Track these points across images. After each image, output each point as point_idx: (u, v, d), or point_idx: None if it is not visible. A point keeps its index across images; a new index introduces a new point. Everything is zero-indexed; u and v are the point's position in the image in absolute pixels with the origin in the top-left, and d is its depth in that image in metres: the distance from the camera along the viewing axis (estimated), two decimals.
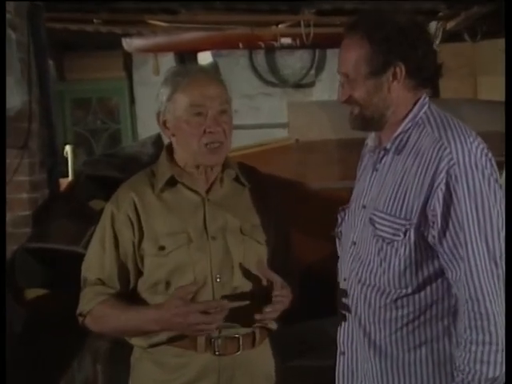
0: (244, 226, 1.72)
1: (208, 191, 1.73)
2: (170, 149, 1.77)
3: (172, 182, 1.72)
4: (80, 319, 1.72)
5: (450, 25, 4.16)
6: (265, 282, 1.67)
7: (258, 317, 1.63)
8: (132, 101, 6.26)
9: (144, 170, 1.79)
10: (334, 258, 1.67)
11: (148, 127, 5.99)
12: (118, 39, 4.54)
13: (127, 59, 6.11)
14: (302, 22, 4.01)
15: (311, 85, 6.18)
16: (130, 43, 4.53)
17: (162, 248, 1.68)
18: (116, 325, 1.69)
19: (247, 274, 1.69)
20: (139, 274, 1.70)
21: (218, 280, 1.66)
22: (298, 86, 6.16)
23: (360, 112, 1.54)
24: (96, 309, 1.69)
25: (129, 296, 1.72)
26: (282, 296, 1.65)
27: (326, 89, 5.99)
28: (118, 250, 1.70)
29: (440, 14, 4.08)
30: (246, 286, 1.68)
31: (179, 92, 1.68)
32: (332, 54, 5.94)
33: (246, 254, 1.70)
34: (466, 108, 3.18)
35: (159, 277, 1.67)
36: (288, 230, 1.85)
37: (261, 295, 1.66)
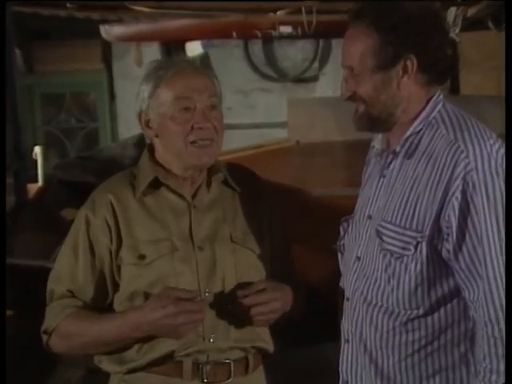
0: (234, 234, 1.74)
1: (194, 196, 1.75)
2: (152, 149, 1.79)
3: (155, 185, 1.74)
4: (44, 338, 1.72)
5: (472, 11, 4.17)
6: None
7: (241, 292, 1.64)
8: (111, 96, 6.27)
9: (123, 171, 1.81)
10: (336, 274, 1.68)
11: (130, 126, 6.01)
12: (95, 26, 4.55)
13: (106, 49, 6.13)
14: (303, 9, 4.03)
15: (314, 79, 6.21)
16: (109, 31, 4.54)
17: (142, 257, 1.69)
18: (87, 338, 1.68)
19: (241, 286, 1.70)
20: (116, 287, 1.71)
21: (207, 295, 1.67)
22: (300, 80, 6.18)
23: (365, 110, 1.55)
24: (62, 324, 1.69)
25: (101, 311, 1.72)
26: (273, 299, 1.66)
27: (331, 84, 6.01)
28: (94, 259, 1.71)
29: None
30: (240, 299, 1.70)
31: (162, 86, 1.69)
32: (337, 45, 5.96)
33: (237, 265, 1.71)
34: (490, 106, 3.20)
35: (137, 288, 1.68)
36: (287, 237, 1.86)
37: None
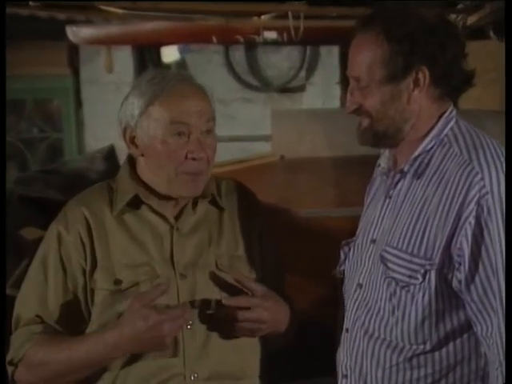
0: (220, 260, 1.73)
1: (178, 217, 1.74)
2: (132, 162, 1.78)
3: (135, 203, 1.73)
4: (10, 370, 1.70)
5: (472, 19, 4.21)
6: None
7: (224, 301, 1.66)
8: (78, 104, 6.24)
9: (99, 183, 1.80)
10: (329, 303, 1.68)
11: (98, 137, 6.01)
12: (61, 27, 4.53)
13: (73, 52, 6.11)
14: (290, 13, 4.05)
15: (301, 89, 6.23)
16: (76, 32, 4.53)
17: (118, 282, 1.68)
18: (59, 366, 1.66)
19: (227, 318, 1.69)
20: (89, 315, 1.69)
21: (189, 327, 1.66)
22: (285, 90, 6.20)
23: (370, 125, 1.55)
24: (30, 352, 1.66)
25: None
26: (260, 307, 1.67)
27: (319, 94, 6.05)
28: (66, 279, 1.70)
29: (459, 5, 4.14)
30: (225, 330, 1.68)
31: (156, 104, 1.68)
32: (326, 53, 6.01)
33: (224, 294, 1.70)
34: (490, 121, 3.23)
35: (110, 318, 1.66)
36: (279, 261, 1.86)
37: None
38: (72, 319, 1.71)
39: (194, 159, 1.69)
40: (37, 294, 1.72)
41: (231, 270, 1.74)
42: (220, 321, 1.69)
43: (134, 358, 1.65)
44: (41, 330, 1.70)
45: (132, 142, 1.74)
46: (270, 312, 1.70)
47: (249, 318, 1.68)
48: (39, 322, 1.71)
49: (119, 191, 1.75)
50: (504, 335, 1.41)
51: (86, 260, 1.70)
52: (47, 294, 1.71)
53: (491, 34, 4.73)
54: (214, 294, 1.71)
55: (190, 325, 1.68)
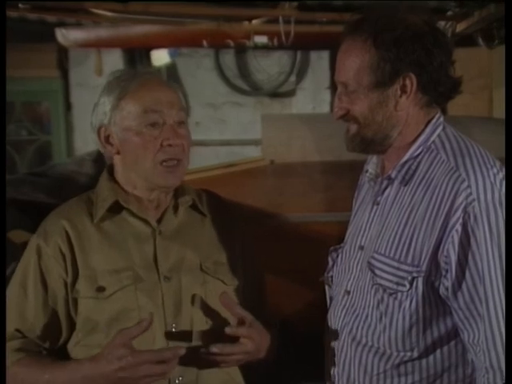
0: (205, 263, 1.73)
1: (160, 220, 1.74)
2: (112, 170, 1.78)
3: (115, 209, 1.72)
4: None
5: (461, 26, 4.24)
6: (231, 320, 1.67)
7: (215, 349, 1.61)
8: (67, 107, 6.23)
9: (79, 196, 1.79)
10: (317, 309, 1.68)
11: (87, 140, 5.99)
12: (50, 30, 4.52)
13: (62, 55, 6.09)
14: (280, 18, 4.06)
15: (291, 94, 6.24)
16: (66, 35, 4.52)
17: (101, 289, 1.67)
18: None
19: (211, 320, 1.68)
20: (72, 325, 1.68)
21: (174, 330, 1.65)
22: (275, 94, 6.22)
23: (358, 131, 1.55)
24: (10, 372, 1.65)
25: (55, 354, 1.69)
26: (247, 337, 1.65)
27: (309, 99, 6.06)
28: (46, 293, 1.69)
29: (449, 12, 4.16)
30: (210, 334, 1.68)
31: (128, 98, 1.69)
32: (316, 57, 6.02)
33: (208, 298, 1.70)
34: (479, 128, 3.24)
35: (95, 325, 1.66)
36: (261, 270, 1.85)
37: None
38: (52, 332, 1.70)
39: (169, 145, 1.69)
40: (16, 308, 1.71)
41: (216, 273, 1.74)
42: (208, 356, 1.67)
43: None
44: (23, 348, 1.68)
45: (107, 141, 1.75)
46: (254, 343, 1.69)
47: (238, 351, 1.67)
48: (19, 336, 1.70)
49: (99, 200, 1.74)
50: (491, 344, 1.41)
51: (66, 271, 1.69)
52: (27, 308, 1.70)
53: (480, 41, 4.76)
54: (198, 296, 1.70)
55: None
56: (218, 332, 1.69)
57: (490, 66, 5.72)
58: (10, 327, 1.70)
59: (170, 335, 1.66)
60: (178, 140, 1.70)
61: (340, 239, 1.76)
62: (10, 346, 1.68)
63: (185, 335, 1.67)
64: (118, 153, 1.75)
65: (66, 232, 1.72)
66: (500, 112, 5.81)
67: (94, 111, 1.75)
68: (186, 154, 1.74)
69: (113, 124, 1.72)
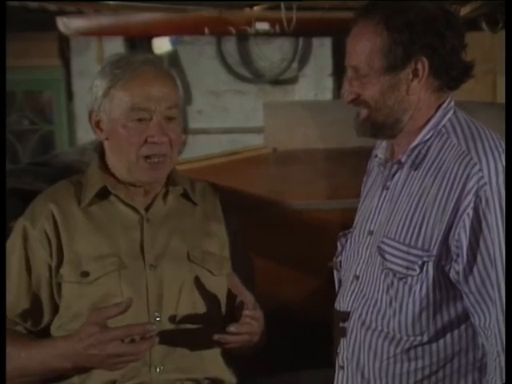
0: (193, 252, 1.72)
1: (148, 208, 1.73)
2: (102, 153, 1.77)
3: (104, 194, 1.72)
4: None
5: (465, 10, 4.21)
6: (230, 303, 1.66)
7: (216, 337, 1.61)
8: (69, 96, 6.22)
9: (68, 178, 1.79)
10: (320, 296, 1.68)
11: (89, 129, 5.94)
12: (51, 18, 4.51)
13: (63, 44, 6.08)
14: (282, 5, 4.04)
15: (293, 81, 6.23)
16: (67, 24, 4.50)
17: (85, 274, 1.67)
18: (16, 365, 1.64)
19: (197, 311, 1.68)
20: (55, 308, 1.68)
21: (158, 319, 1.65)
22: (277, 82, 6.20)
23: (369, 115, 1.54)
24: None
25: (38, 335, 1.69)
26: (253, 318, 1.64)
27: (311, 86, 6.04)
28: (30, 276, 1.69)
29: None
30: (194, 322, 1.67)
31: (118, 88, 1.67)
32: (318, 44, 6.00)
33: (194, 287, 1.70)
34: (483, 113, 3.23)
35: (78, 310, 1.66)
36: (251, 262, 1.85)
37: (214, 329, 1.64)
38: (34, 314, 1.70)
39: (154, 143, 1.68)
40: None
41: (203, 263, 1.73)
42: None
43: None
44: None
45: (97, 125, 1.74)
46: (258, 323, 1.68)
47: (247, 331, 1.65)
48: None
49: (88, 184, 1.74)
50: (503, 328, 1.41)
51: (51, 256, 1.69)
52: (9, 290, 1.70)
53: (483, 25, 4.74)
54: (185, 285, 1.70)
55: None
56: (202, 320, 1.68)
57: (494, 50, 5.69)
58: None
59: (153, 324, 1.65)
60: (164, 137, 1.68)
61: (343, 226, 1.76)
62: None
63: (168, 323, 1.66)
64: (107, 139, 1.74)
65: (53, 216, 1.71)
66: (504, 97, 5.76)
67: (89, 91, 1.74)
68: (174, 149, 1.72)
69: (102, 111, 1.71)
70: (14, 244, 1.72)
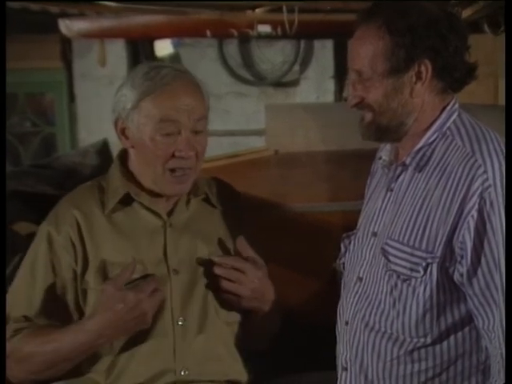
0: (215, 255, 1.73)
1: (170, 213, 1.74)
2: (123, 157, 1.78)
3: (127, 201, 1.73)
4: None
5: (467, 13, 4.21)
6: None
7: (216, 259, 1.68)
8: (71, 98, 6.23)
9: (89, 182, 1.80)
10: (321, 299, 1.68)
11: (91, 131, 5.99)
12: (53, 20, 4.52)
13: (66, 46, 6.09)
14: (284, 7, 4.05)
15: (295, 83, 6.23)
16: (69, 26, 4.51)
17: None
18: (46, 356, 1.67)
19: (220, 313, 1.70)
20: (81, 314, 1.70)
21: (180, 323, 1.66)
22: (279, 84, 6.20)
23: (373, 119, 1.55)
24: (17, 347, 1.67)
25: None
26: (254, 274, 1.70)
27: (313, 88, 6.05)
28: (55, 281, 1.71)
29: None
30: (219, 330, 1.69)
31: (148, 100, 1.68)
32: (320, 47, 6.00)
33: (217, 291, 1.71)
34: (484, 116, 3.23)
35: None
36: (268, 259, 1.86)
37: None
38: (60, 321, 1.71)
39: (181, 158, 1.69)
40: (25, 294, 1.73)
41: None
42: (211, 278, 1.70)
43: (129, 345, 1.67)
44: (27, 326, 1.70)
45: (123, 133, 1.74)
46: (259, 283, 1.71)
47: (238, 279, 1.68)
48: (25, 322, 1.71)
49: (110, 190, 1.75)
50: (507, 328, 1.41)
51: (76, 262, 1.71)
52: (34, 295, 1.72)
53: (485, 27, 4.74)
54: (207, 289, 1.72)
55: (184, 320, 1.68)
56: (225, 324, 1.70)
57: (496, 53, 5.69)
58: (18, 313, 1.71)
59: (176, 331, 1.67)
60: (191, 152, 1.70)
61: (345, 228, 1.76)
62: (13, 327, 1.70)
63: (191, 328, 1.69)
64: (133, 147, 1.75)
65: (77, 222, 1.73)
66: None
67: (115, 96, 1.74)
68: (199, 160, 1.74)
69: (130, 121, 1.72)
70: (38, 249, 1.74)
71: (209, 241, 1.76)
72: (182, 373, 1.68)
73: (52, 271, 1.72)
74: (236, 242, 1.71)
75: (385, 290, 1.53)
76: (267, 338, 1.82)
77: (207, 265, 1.74)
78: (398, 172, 1.59)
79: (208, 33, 4.45)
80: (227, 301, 1.71)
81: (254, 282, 1.70)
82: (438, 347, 1.51)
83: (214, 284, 1.72)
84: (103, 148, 3.21)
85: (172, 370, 1.68)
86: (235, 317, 1.75)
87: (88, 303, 1.70)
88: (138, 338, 1.67)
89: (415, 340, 1.51)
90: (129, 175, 1.76)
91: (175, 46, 5.73)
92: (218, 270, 1.69)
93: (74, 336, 1.65)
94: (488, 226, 1.44)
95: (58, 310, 1.72)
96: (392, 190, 1.59)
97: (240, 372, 1.76)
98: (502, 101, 5.64)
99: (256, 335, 1.78)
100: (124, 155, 1.79)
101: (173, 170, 1.70)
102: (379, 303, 1.54)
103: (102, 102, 5.92)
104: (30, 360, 1.68)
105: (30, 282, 1.73)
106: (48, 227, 1.75)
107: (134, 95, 1.69)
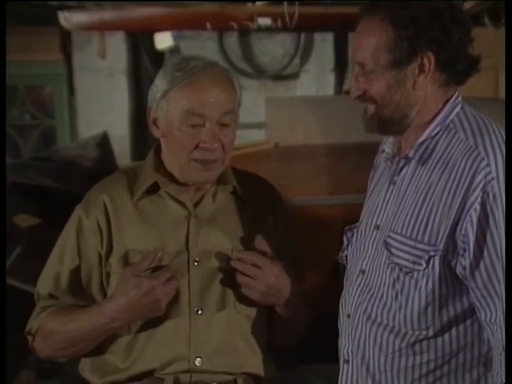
0: (237, 249, 1.74)
1: (197, 204, 1.76)
2: (158, 149, 1.81)
3: (155, 189, 1.75)
4: (29, 340, 1.77)
5: (468, 5, 4.21)
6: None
7: (235, 255, 1.71)
8: (71, 90, 6.22)
9: (124, 169, 1.84)
10: (322, 291, 1.68)
11: (91, 124, 5.99)
12: (53, 12, 4.51)
13: (65, 38, 6.08)
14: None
15: (295, 76, 6.22)
16: (68, 18, 4.50)
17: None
18: (66, 335, 1.72)
19: (237, 308, 1.71)
20: (105, 295, 1.73)
21: (200, 312, 1.68)
22: (279, 77, 6.19)
23: (376, 111, 1.55)
24: (44, 322, 1.74)
25: None
26: (254, 264, 1.70)
27: (313, 81, 6.04)
28: (81, 263, 1.74)
29: None
30: (237, 323, 1.70)
31: (176, 91, 1.70)
32: (320, 39, 5.99)
33: (236, 284, 1.73)
34: (485, 109, 3.23)
35: None
36: (299, 258, 1.86)
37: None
38: (82, 301, 1.76)
39: (206, 149, 1.71)
40: (52, 274, 1.78)
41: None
42: (231, 271, 1.72)
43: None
44: (51, 304, 1.76)
45: (154, 123, 1.77)
46: (275, 279, 1.72)
47: (254, 274, 1.70)
48: (54, 299, 1.77)
49: (142, 178, 1.78)
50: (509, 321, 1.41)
51: (102, 245, 1.75)
52: (61, 275, 1.77)
53: (486, 20, 4.74)
54: (226, 281, 1.73)
55: (201, 310, 1.70)
56: (242, 317, 1.74)
57: (496, 46, 5.67)
58: (45, 290, 1.77)
59: (193, 320, 1.70)
60: (216, 144, 1.71)
61: (345, 221, 1.76)
62: (45, 304, 1.76)
63: (209, 318, 1.70)
64: (163, 136, 1.77)
65: (105, 206, 1.76)
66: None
67: (150, 90, 1.77)
68: (227, 152, 1.75)
69: (160, 110, 1.74)
70: (68, 231, 1.79)
71: (232, 234, 1.77)
72: (196, 362, 1.70)
73: (78, 254, 1.77)
74: (255, 239, 1.72)
75: (387, 282, 1.54)
76: (295, 337, 1.83)
77: (228, 258, 1.75)
78: (400, 165, 1.59)
79: (208, 25, 4.45)
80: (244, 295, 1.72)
81: (269, 277, 1.71)
82: (439, 340, 1.51)
83: (233, 278, 1.73)
84: (103, 141, 3.21)
85: (186, 358, 1.70)
86: (256, 311, 1.76)
87: (110, 286, 1.75)
88: (155, 323, 1.70)
89: (417, 333, 1.51)
90: (159, 165, 1.79)
91: (175, 38, 5.72)
92: (234, 264, 1.70)
93: (94, 317, 1.70)
94: (491, 218, 1.44)
95: (83, 291, 1.77)
96: (395, 183, 1.59)
97: (257, 366, 1.77)
98: (502, 94, 5.62)
99: (281, 333, 1.80)
100: (159, 147, 1.82)
101: (197, 161, 1.71)
102: (381, 296, 1.55)
103: (102, 94, 5.92)
104: (53, 337, 1.74)
105: (57, 263, 1.79)
106: (79, 211, 1.79)
107: (164, 85, 1.72)
